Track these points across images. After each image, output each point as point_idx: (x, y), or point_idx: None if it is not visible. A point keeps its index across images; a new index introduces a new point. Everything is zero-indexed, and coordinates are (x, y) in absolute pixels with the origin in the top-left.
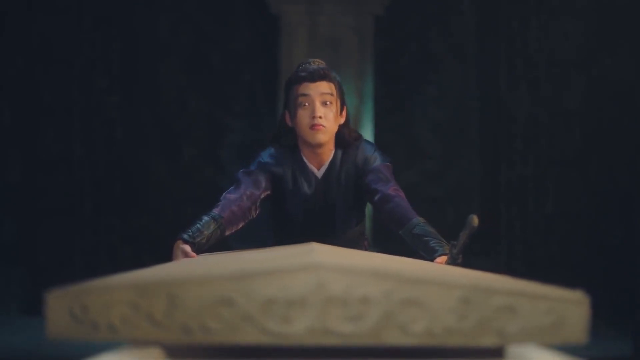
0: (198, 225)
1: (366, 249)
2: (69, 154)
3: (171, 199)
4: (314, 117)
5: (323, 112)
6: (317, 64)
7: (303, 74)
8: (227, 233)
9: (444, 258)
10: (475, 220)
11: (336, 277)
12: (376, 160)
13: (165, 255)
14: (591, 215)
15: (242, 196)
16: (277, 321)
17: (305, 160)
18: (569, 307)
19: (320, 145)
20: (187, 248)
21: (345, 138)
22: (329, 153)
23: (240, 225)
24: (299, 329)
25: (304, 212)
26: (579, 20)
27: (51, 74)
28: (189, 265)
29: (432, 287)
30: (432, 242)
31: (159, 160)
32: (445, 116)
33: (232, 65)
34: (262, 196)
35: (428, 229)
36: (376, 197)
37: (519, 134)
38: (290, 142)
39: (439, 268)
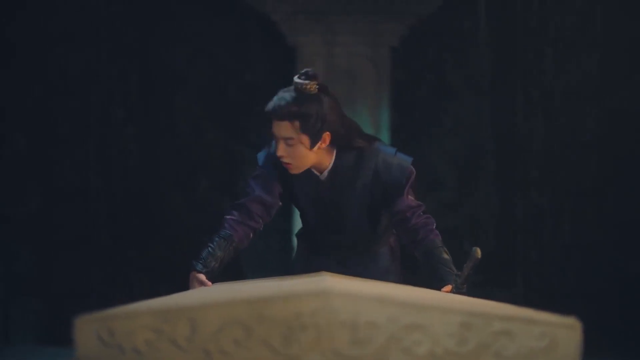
0: (209, 250)
1: (392, 249)
2: (86, 185)
3: (187, 229)
4: (278, 155)
5: (286, 152)
6: (301, 88)
7: (269, 108)
8: (242, 247)
9: (449, 287)
10: (478, 252)
11: (345, 303)
12: (403, 177)
13: (182, 285)
14: (608, 245)
15: (252, 204)
16: (290, 344)
17: None
18: (562, 331)
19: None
20: (202, 277)
21: (344, 148)
22: (325, 163)
23: (254, 234)
24: (310, 351)
25: (316, 213)
26: (595, 52)
27: (68, 105)
28: (206, 293)
29: (434, 312)
30: (441, 270)
31: (175, 191)
32: (461, 147)
33: (249, 96)
34: (277, 197)
35: (442, 257)
36: (401, 224)
37: (535, 164)
38: None
39: (441, 295)
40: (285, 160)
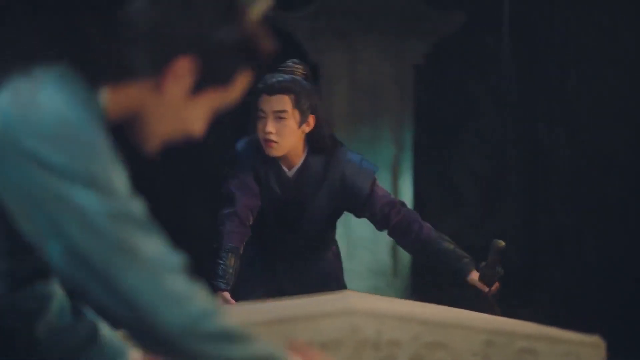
0: (223, 266)
1: (336, 256)
2: None
3: (209, 240)
4: (265, 133)
5: (275, 127)
6: (289, 71)
7: (261, 85)
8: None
9: (476, 274)
10: (499, 242)
11: (368, 321)
12: (367, 185)
13: None
14: (633, 263)
15: (242, 211)
16: None
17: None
18: (586, 349)
19: (276, 157)
20: (227, 295)
21: (317, 143)
22: (297, 158)
23: (247, 238)
24: None
25: (276, 211)
26: (619, 66)
27: None
28: (231, 313)
29: (458, 330)
30: (451, 260)
31: (199, 206)
32: (484, 164)
33: None
34: (258, 198)
35: (444, 247)
36: (383, 223)
37: (559, 181)
38: None
39: (465, 314)
40: (272, 137)
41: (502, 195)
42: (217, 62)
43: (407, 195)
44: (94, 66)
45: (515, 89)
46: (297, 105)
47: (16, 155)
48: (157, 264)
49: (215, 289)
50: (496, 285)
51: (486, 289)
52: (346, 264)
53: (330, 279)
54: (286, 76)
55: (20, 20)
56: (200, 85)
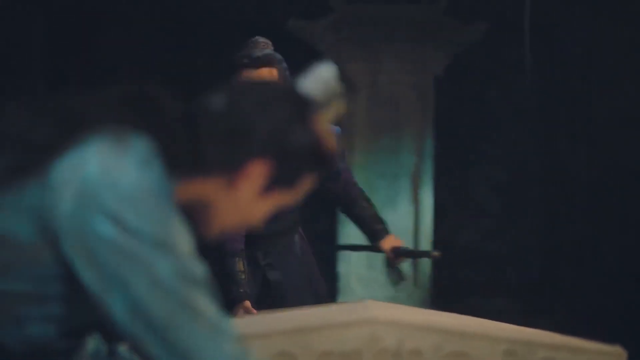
0: (235, 273)
1: (302, 237)
2: None
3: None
4: None
5: None
6: (262, 46)
7: (246, 60)
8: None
9: (389, 244)
10: (435, 253)
11: (389, 330)
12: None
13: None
14: None
15: None
16: None
17: None
18: (608, 359)
19: None
20: (248, 304)
21: None
22: None
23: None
24: None
25: None
26: None
27: None
28: (252, 322)
29: (479, 340)
30: (372, 222)
31: None
32: (505, 175)
33: None
34: None
35: (365, 209)
36: (326, 187)
37: (578, 191)
38: None
39: (486, 323)
40: None
41: (521, 205)
42: (289, 166)
43: (427, 203)
44: (171, 159)
45: (536, 100)
46: (282, 76)
47: (95, 212)
48: (216, 326)
49: (235, 301)
50: (400, 258)
51: (393, 259)
52: (367, 273)
53: (303, 260)
54: (267, 50)
55: (114, 84)
56: (270, 186)
